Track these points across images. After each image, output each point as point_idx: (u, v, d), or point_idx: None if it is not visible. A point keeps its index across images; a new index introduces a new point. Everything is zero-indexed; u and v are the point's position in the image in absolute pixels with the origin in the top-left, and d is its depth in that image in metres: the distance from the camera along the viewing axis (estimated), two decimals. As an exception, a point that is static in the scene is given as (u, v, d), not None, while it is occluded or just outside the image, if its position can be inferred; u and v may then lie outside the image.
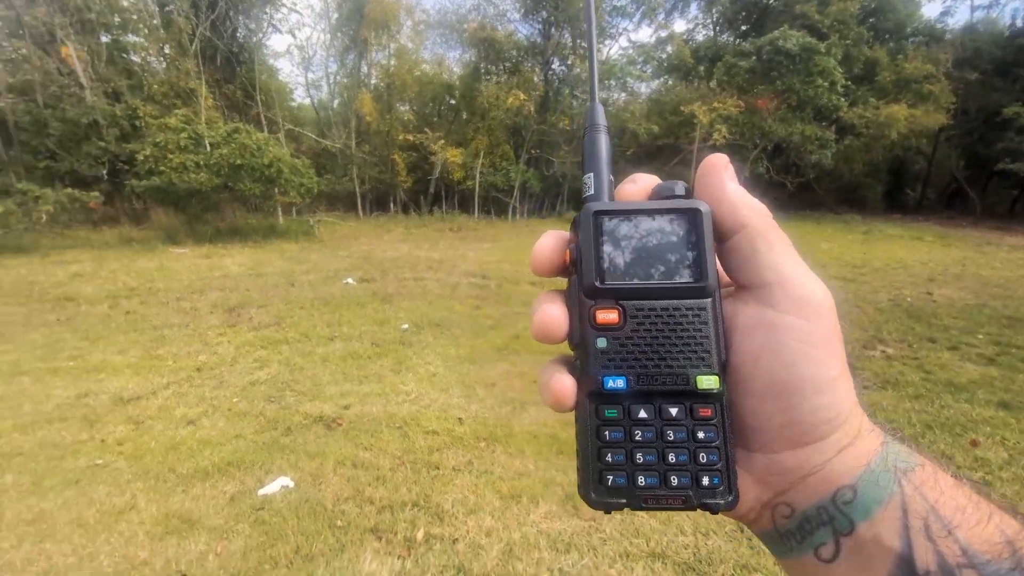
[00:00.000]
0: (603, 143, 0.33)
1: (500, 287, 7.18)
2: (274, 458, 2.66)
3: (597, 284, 0.29)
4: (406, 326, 5.15)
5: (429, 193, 18.71)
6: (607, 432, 0.29)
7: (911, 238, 12.99)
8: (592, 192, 0.32)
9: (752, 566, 1.99)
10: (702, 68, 19.70)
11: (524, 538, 2.10)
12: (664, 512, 1.90)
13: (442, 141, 17.10)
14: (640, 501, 0.29)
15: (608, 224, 0.30)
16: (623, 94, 20.01)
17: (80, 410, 3.28)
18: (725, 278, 0.31)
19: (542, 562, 1.97)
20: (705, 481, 0.28)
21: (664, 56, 20.77)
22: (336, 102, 21.18)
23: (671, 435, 0.29)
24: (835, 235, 13.68)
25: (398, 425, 3.04)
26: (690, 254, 0.29)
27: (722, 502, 0.28)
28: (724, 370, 0.29)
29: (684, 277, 0.29)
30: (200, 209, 12.71)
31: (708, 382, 0.28)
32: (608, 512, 0.29)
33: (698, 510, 0.29)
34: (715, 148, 16.60)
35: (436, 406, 3.34)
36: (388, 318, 5.44)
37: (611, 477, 0.29)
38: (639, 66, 20.13)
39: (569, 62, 18.22)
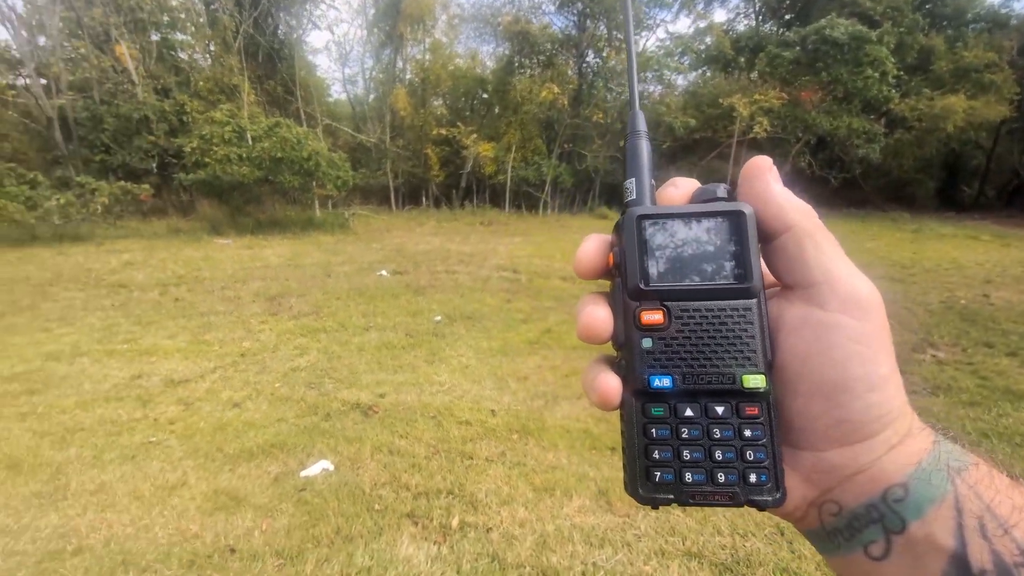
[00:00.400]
0: (644, 149, 0.34)
1: (531, 281, 7.18)
2: (315, 442, 2.75)
3: (642, 286, 0.30)
4: (439, 318, 5.22)
5: (461, 187, 18.82)
6: (654, 429, 0.30)
7: (966, 237, 12.27)
8: (634, 197, 0.32)
9: (792, 570, 1.94)
10: (743, 59, 19.08)
11: (558, 531, 2.11)
12: (702, 511, 1.86)
13: (474, 135, 17.17)
14: (687, 497, 0.29)
15: (651, 227, 0.31)
16: (659, 86, 19.60)
17: (135, 390, 3.47)
18: (770, 278, 0.32)
19: (576, 555, 1.98)
20: (752, 478, 0.29)
21: (703, 47, 20.21)
22: (371, 97, 21.53)
23: (717, 433, 0.29)
24: (882, 233, 13.06)
25: (432, 415, 3.09)
26: (734, 256, 0.30)
27: (769, 499, 0.29)
28: (770, 369, 0.29)
29: (729, 278, 0.30)
30: (242, 201, 13.19)
31: (755, 381, 0.29)
32: (655, 507, 0.30)
33: (745, 507, 0.29)
34: (755, 141, 16.08)
35: (469, 397, 3.38)
36: (421, 309, 5.53)
37: (658, 473, 0.29)
38: (677, 58, 19.65)
39: (604, 54, 17.95)
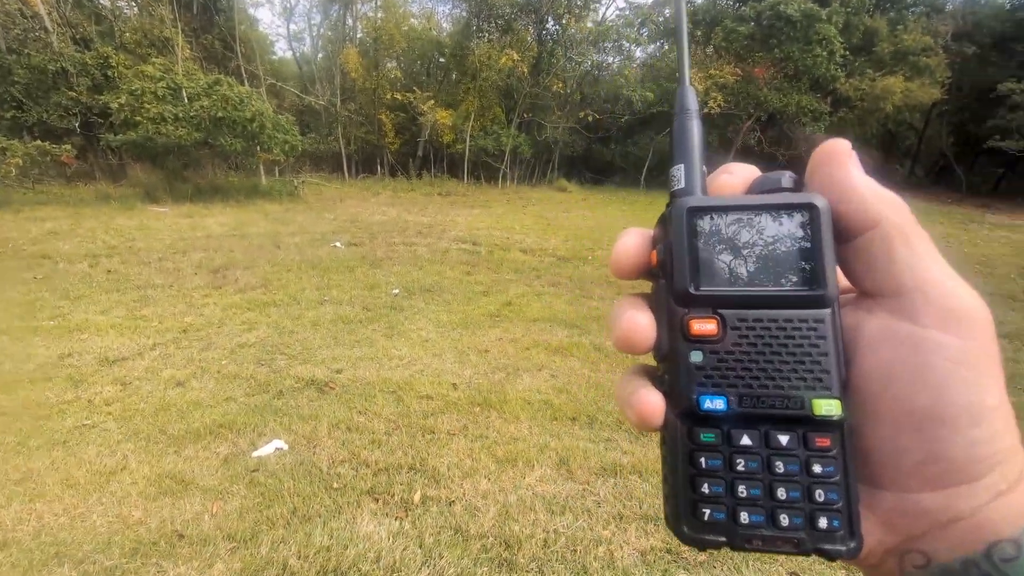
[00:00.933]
0: (695, 130, 0.29)
1: (491, 254, 7.13)
2: (267, 420, 2.64)
3: (691, 290, 0.26)
4: (397, 291, 5.10)
5: (417, 156, 18.27)
6: (703, 459, 0.26)
7: (897, 213, 13.14)
8: (683, 185, 0.28)
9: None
10: (700, 33, 19.17)
11: (520, 500, 2.13)
12: (657, 477, 1.87)
13: (431, 101, 16.57)
14: (744, 541, 0.25)
15: (704, 222, 0.27)
16: (618, 57, 19.49)
17: (64, 370, 3.20)
18: (841, 282, 0.27)
19: (538, 523, 2.01)
20: (823, 523, 0.25)
21: (661, 19, 20.15)
22: (320, 56, 20.33)
23: (780, 467, 0.25)
24: (824, 209, 13.73)
25: (392, 390, 3.03)
26: (805, 257, 0.26)
27: (843, 548, 0.24)
28: (845, 392, 0.25)
29: (798, 284, 0.26)
30: (180, 166, 12.26)
31: (828, 407, 0.25)
32: (703, 549, 0.26)
33: (812, 556, 0.25)
34: (709, 117, 16.37)
35: (429, 371, 3.34)
36: (378, 283, 5.37)
37: (708, 511, 0.26)
38: (636, 29, 19.52)
39: (564, 21, 17.58)
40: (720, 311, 0.26)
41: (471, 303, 4.88)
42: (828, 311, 0.25)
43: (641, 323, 0.27)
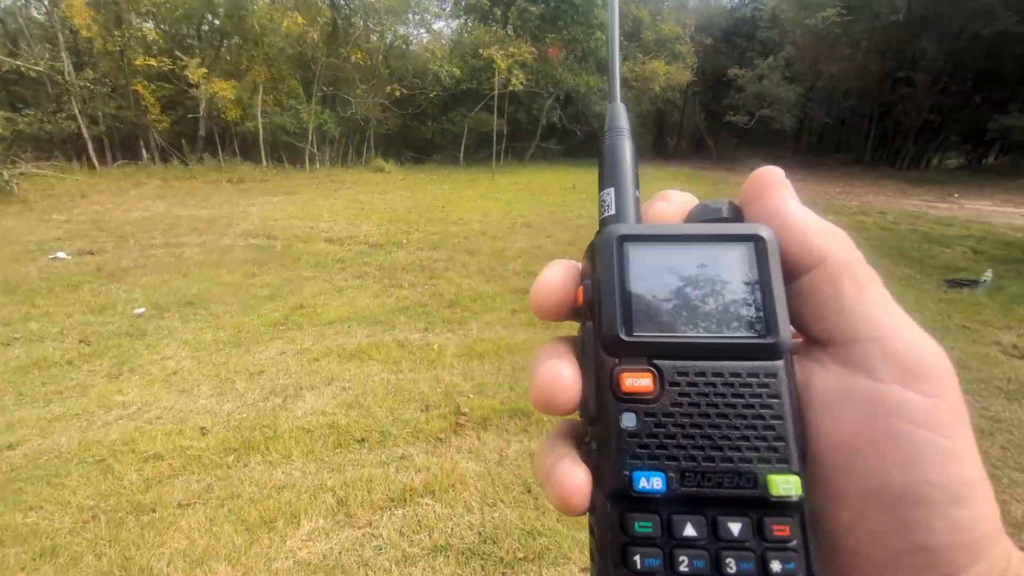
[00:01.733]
0: (627, 150, 0.27)
1: (288, 247, 6.17)
2: None
3: (623, 336, 0.22)
4: (141, 310, 3.97)
5: (198, 136, 15.28)
6: (637, 556, 0.21)
7: (669, 178, 15.42)
8: (613, 212, 0.25)
9: (538, 531, 1.91)
10: (499, 11, 19.57)
11: (273, 578, 1.66)
12: (453, 491, 1.53)
13: (204, 70, 13.87)
14: None
15: (638, 254, 0.23)
16: (422, 30, 18.87)
17: None
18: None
19: (294, 605, 1.57)
20: None
21: (462, -6, 20.03)
22: (32, 8, 15.45)
23: (732, 565, 0.21)
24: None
25: (100, 458, 2.20)
26: (753, 298, 0.22)
27: None
28: (804, 464, 0.21)
29: (745, 330, 0.22)
30: None
31: (786, 486, 0.20)
32: None
33: None
34: (515, 95, 16.94)
35: (169, 417, 2.56)
36: (114, 302, 4.13)
37: None
38: (439, 2, 19.07)
39: (358, -14, 16.21)
40: (656, 362, 0.22)
41: (250, 312, 4.04)
42: (781, 363, 0.22)
43: (563, 376, 0.23)
